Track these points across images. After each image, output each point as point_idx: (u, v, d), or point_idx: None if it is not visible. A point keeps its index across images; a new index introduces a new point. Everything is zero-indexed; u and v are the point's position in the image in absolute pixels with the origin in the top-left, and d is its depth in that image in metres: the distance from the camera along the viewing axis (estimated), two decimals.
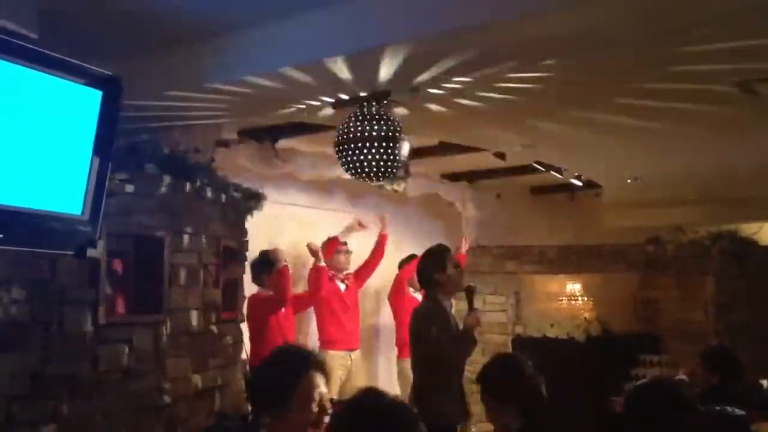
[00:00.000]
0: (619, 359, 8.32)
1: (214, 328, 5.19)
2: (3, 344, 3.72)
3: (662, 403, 3.10)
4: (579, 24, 3.39)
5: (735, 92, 4.52)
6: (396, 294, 7.66)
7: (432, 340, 4.83)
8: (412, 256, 7.18)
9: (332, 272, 7.09)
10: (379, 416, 2.14)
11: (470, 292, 5.13)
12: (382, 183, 6.07)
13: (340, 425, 2.23)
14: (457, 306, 5.36)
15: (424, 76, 4.18)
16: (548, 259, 8.72)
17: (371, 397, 2.24)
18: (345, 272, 7.22)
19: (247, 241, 5.82)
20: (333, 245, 7.12)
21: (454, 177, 8.48)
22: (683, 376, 6.62)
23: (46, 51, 3.42)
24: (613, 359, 8.32)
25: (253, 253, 6.01)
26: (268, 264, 6.12)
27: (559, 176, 7.55)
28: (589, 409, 6.71)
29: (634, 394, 3.26)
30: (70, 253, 3.76)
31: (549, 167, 7.27)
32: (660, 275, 8.65)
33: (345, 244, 7.19)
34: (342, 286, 7.17)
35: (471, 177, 8.51)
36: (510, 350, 8.49)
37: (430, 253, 5.16)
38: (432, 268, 5.05)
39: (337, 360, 6.87)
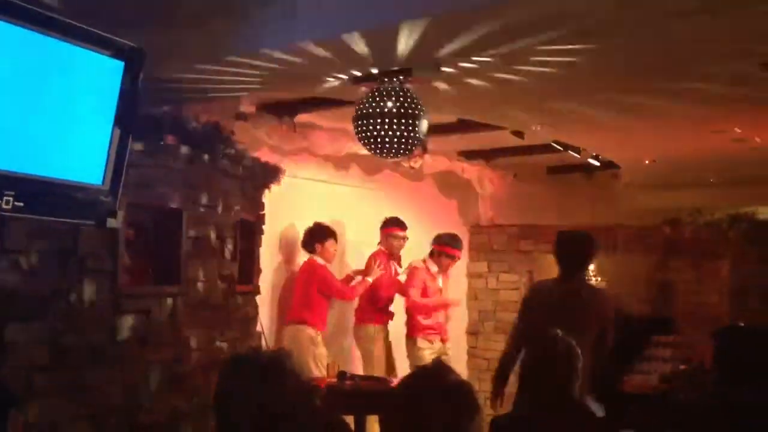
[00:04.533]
0: (632, 340, 8.31)
1: (230, 300, 5.22)
2: (23, 313, 3.74)
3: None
4: None
5: (758, 73, 4.48)
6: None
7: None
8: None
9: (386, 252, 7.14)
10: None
11: None
12: (399, 159, 6.06)
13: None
14: None
15: (445, 50, 4.14)
16: None
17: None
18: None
19: (264, 214, 5.85)
20: (390, 229, 7.14)
21: (471, 155, 8.46)
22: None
23: (69, 20, 3.41)
24: (626, 340, 8.30)
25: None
26: (320, 235, 6.58)
27: (577, 156, 7.52)
28: (602, 389, 6.71)
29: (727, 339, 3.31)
30: (90, 223, 3.77)
31: (567, 147, 7.24)
32: (676, 257, 8.62)
33: (404, 229, 7.17)
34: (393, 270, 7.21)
35: (488, 155, 8.48)
36: None
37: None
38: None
39: (380, 333, 7.01)
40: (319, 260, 6.58)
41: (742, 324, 3.45)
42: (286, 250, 6.91)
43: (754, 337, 3.53)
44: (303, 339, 6.31)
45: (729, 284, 8.22)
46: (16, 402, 3.55)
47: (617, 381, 7.70)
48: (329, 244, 6.63)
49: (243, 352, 2.57)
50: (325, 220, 6.82)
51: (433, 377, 2.17)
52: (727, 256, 8.26)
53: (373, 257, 7.01)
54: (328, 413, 1.65)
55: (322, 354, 6.37)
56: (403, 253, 7.30)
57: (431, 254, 7.36)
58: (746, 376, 3.36)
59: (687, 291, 8.54)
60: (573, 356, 3.16)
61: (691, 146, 6.94)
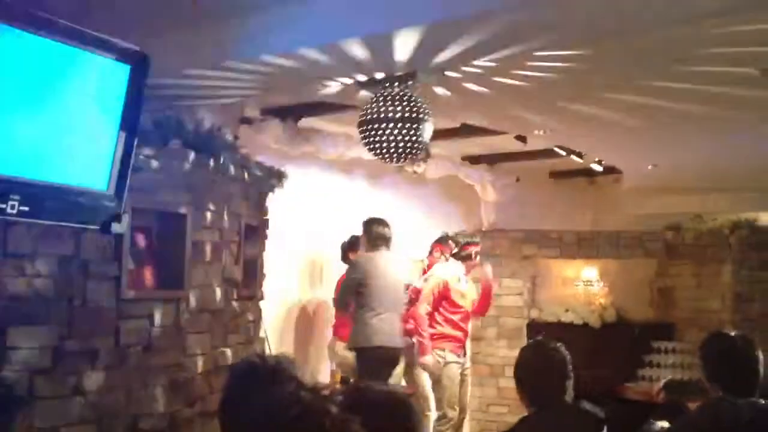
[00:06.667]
0: (634, 346, 8.32)
1: (234, 305, 5.20)
2: (26, 318, 3.72)
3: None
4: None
5: (758, 80, 4.48)
6: None
7: None
8: None
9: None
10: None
11: None
12: (402, 164, 6.06)
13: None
14: None
15: (444, 56, 4.14)
16: (566, 244, 8.70)
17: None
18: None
19: (268, 219, 5.83)
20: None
21: (473, 160, 8.46)
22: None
23: (72, 24, 3.40)
24: (628, 346, 8.31)
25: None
26: (350, 245, 7.04)
27: (580, 161, 7.52)
28: (603, 396, 6.71)
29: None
30: (95, 227, 3.76)
31: (569, 152, 7.24)
32: (677, 263, 8.63)
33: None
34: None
35: (491, 160, 8.48)
36: (525, 334, 8.49)
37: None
38: None
39: None
40: None
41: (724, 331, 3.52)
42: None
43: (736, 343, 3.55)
44: (338, 351, 6.84)
45: (730, 290, 8.23)
46: (23, 405, 3.56)
47: (619, 389, 7.71)
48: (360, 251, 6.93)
49: (249, 358, 2.58)
50: (328, 223, 6.85)
51: (367, 390, 2.22)
52: (728, 261, 8.27)
53: None
54: (345, 420, 1.63)
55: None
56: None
57: None
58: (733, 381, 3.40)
59: (688, 296, 8.55)
60: None
61: (693, 152, 6.93)
